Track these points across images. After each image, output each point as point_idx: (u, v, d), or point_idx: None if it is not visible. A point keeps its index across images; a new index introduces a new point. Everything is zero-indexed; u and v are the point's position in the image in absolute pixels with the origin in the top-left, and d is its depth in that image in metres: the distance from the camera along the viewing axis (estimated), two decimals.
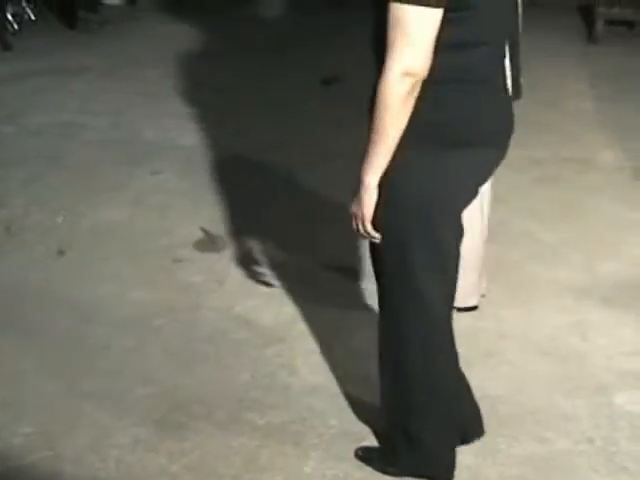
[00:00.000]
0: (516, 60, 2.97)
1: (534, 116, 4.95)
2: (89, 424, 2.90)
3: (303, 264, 3.84)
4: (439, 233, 2.26)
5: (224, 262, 3.90)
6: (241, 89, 5.88)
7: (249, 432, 2.85)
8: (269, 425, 2.88)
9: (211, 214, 4.32)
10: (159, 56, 6.79)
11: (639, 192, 4.40)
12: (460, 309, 3.23)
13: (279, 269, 3.79)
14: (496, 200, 3.45)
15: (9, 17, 7.41)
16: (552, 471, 2.67)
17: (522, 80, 3.05)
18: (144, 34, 7.48)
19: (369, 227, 2.22)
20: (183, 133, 5.37)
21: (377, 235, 2.24)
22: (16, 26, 7.52)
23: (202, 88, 6.02)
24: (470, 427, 2.69)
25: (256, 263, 3.83)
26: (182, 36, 7.19)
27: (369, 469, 2.67)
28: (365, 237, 2.28)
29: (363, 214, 2.20)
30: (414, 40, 1.97)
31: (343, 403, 2.97)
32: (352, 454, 2.72)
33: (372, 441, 2.77)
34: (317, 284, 3.68)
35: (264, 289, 3.66)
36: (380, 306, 2.45)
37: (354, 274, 3.64)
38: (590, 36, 6.93)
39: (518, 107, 2.45)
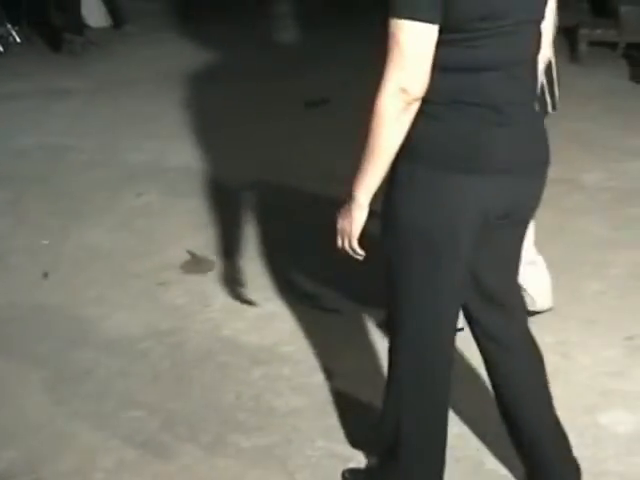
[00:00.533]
0: (550, 72, 2.97)
1: None
2: (74, 447, 2.89)
3: (288, 286, 3.84)
4: (442, 261, 2.20)
5: (210, 284, 3.89)
6: (227, 110, 5.89)
7: (235, 454, 2.84)
8: (255, 447, 2.87)
9: (197, 236, 4.32)
10: (145, 78, 6.82)
11: (623, 213, 4.42)
12: None
13: (265, 291, 3.79)
14: None
15: None
16: None
17: (557, 91, 3.10)
18: (130, 57, 7.49)
19: (355, 244, 2.19)
20: (169, 155, 5.38)
21: (361, 252, 2.21)
22: (1, 48, 7.57)
23: (188, 110, 6.02)
24: None
25: (241, 285, 3.82)
26: (167, 59, 7.20)
27: None
28: (348, 254, 2.23)
29: (351, 230, 2.17)
30: (408, 57, 1.96)
31: (329, 424, 2.96)
32: (339, 476, 2.71)
33: (359, 462, 2.76)
34: (302, 307, 3.67)
35: (250, 311, 3.65)
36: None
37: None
38: (573, 57, 6.96)
39: None
